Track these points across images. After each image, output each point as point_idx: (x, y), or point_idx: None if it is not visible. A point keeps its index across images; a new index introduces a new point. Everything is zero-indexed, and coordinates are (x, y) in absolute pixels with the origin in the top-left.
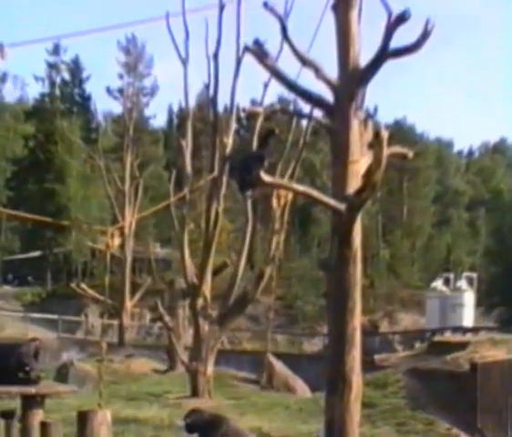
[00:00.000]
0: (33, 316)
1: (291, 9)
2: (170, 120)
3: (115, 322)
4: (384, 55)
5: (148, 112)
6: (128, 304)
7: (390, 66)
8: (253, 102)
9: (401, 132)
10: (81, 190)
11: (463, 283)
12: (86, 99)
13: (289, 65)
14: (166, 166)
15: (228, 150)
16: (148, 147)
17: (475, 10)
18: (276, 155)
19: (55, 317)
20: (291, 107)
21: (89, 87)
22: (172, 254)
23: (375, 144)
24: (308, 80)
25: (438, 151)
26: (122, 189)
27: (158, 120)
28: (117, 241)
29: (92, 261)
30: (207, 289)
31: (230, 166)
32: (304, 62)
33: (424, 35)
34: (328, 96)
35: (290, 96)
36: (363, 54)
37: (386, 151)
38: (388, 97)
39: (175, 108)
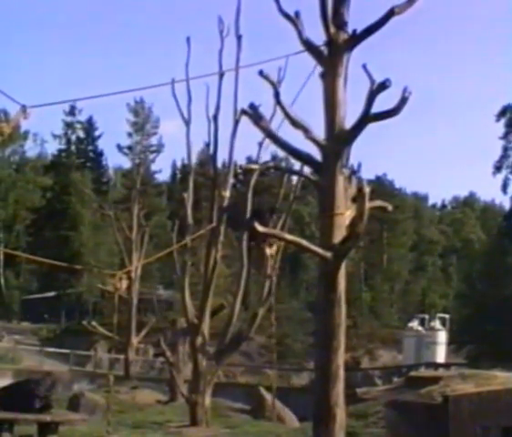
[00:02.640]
0: (48, 350)
1: (284, 77)
2: (174, 174)
3: (121, 357)
4: (366, 118)
5: (153, 167)
6: (134, 340)
7: (372, 127)
8: (249, 159)
9: (381, 187)
10: (92, 237)
11: (436, 323)
12: (98, 155)
13: (281, 126)
14: (169, 216)
15: (225, 202)
16: (153, 198)
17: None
18: (266, 207)
19: (67, 351)
20: (284, 164)
21: (101, 144)
22: (174, 296)
23: (359, 198)
24: (298, 139)
25: (415, 204)
26: (130, 237)
27: (163, 174)
28: (124, 284)
29: (102, 302)
30: (205, 328)
31: (229, 217)
32: (295, 124)
33: (402, 101)
34: (316, 154)
35: (282, 154)
36: (349, 115)
37: (368, 204)
38: (370, 155)
39: (178, 164)
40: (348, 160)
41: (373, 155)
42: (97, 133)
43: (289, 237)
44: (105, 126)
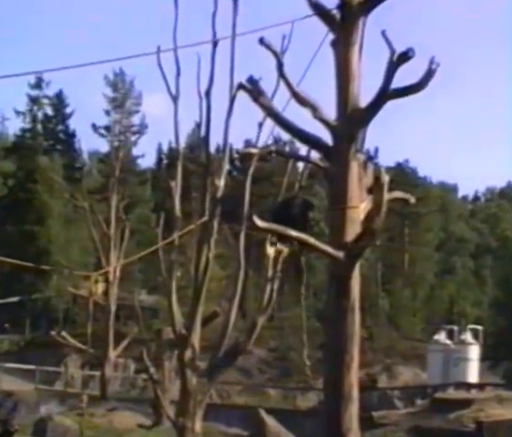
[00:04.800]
0: (9, 366)
1: (289, 46)
2: (159, 160)
3: (97, 373)
4: (385, 94)
5: (135, 151)
6: (112, 354)
7: (392, 105)
8: (247, 143)
9: (402, 176)
10: (63, 233)
11: (467, 336)
12: (69, 136)
13: (285, 104)
14: (154, 208)
15: (219, 193)
16: (135, 187)
17: (483, 51)
18: (270, 198)
19: (32, 367)
20: (288, 149)
21: (73, 124)
22: (159, 302)
23: (376, 188)
24: (305, 120)
25: (442, 196)
26: (107, 232)
27: (147, 160)
28: (100, 287)
29: (74, 308)
30: (196, 339)
31: (224, 210)
32: (301, 101)
33: (428, 74)
34: (326, 137)
35: (286, 136)
36: (364, 92)
37: (387, 196)
38: (389, 139)
39: (164, 148)
40: (363, 144)
41: (392, 138)
42: (68, 110)
43: (293, 233)
44: (77, 101)
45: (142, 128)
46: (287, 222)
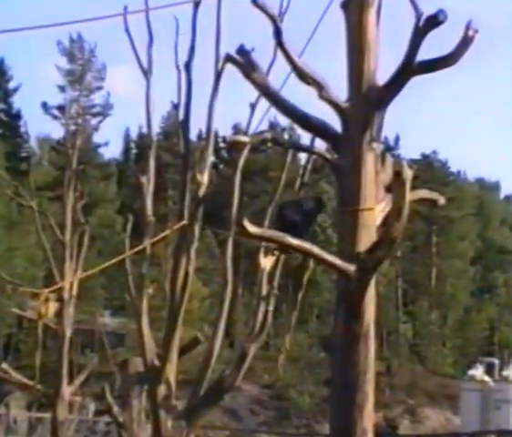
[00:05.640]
0: None
1: (288, 7)
2: (127, 150)
3: (47, 416)
4: (409, 69)
5: (97, 138)
6: (66, 391)
7: (417, 83)
8: (237, 129)
9: (430, 171)
10: (4, 239)
11: (511, 372)
12: (13, 118)
13: (284, 80)
14: (120, 209)
15: (202, 191)
16: (96, 183)
17: None
18: (265, 198)
19: None
20: (286, 137)
21: (18, 102)
22: (126, 325)
23: (396, 186)
24: (309, 101)
25: (479, 196)
26: (61, 239)
27: (111, 149)
28: (52, 308)
29: (18, 334)
30: (171, 372)
31: (208, 212)
32: (304, 77)
33: (464, 43)
34: (335, 122)
35: (285, 121)
36: (381, 70)
37: (410, 196)
38: (414, 125)
39: (133, 134)
40: (381, 131)
41: (417, 124)
42: (11, 85)
43: (294, 242)
44: (24, 74)
45: (106, 109)
46: (292, 229)
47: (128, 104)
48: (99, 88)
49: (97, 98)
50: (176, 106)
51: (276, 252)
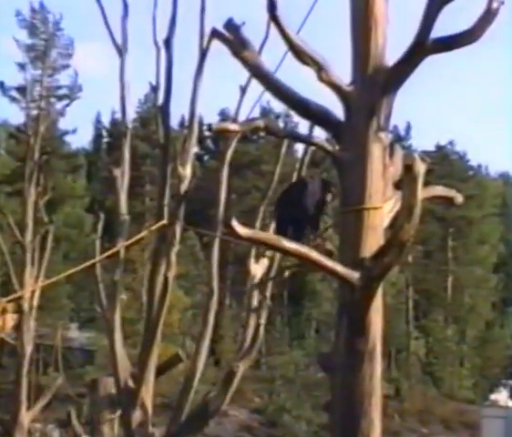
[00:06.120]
0: None
1: None
2: (98, 138)
3: None
4: (422, 47)
5: (63, 124)
6: (25, 417)
7: (431, 64)
8: (224, 115)
9: (446, 164)
10: None
11: None
12: None
13: (279, 60)
14: (89, 206)
15: (184, 186)
16: (63, 177)
17: None
18: (257, 194)
19: None
20: (281, 125)
21: None
22: (96, 340)
23: (406, 182)
24: (307, 85)
25: (503, 194)
26: (21, 241)
27: (80, 137)
28: (10, 320)
29: None
30: (148, 394)
31: (191, 211)
32: (302, 56)
33: (487, 16)
34: (336, 109)
35: (279, 107)
36: (390, 50)
37: (423, 193)
38: (427, 112)
39: (105, 121)
40: (389, 119)
41: (431, 111)
42: None
43: (290, 245)
44: None
45: (73, 91)
46: (296, 219)
47: (99, 85)
48: (66, 67)
49: (64, 79)
50: (154, 89)
51: (268, 254)
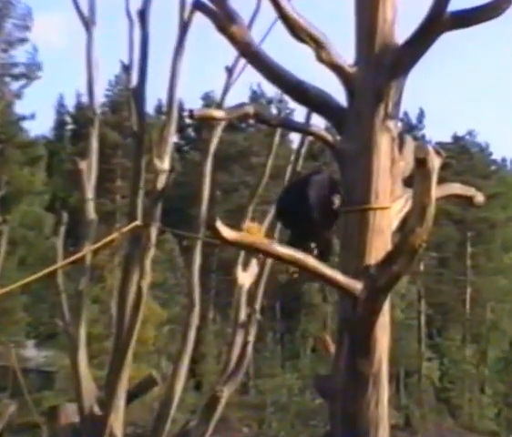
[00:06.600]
0: None
1: None
2: (60, 125)
3: None
4: (438, 22)
5: (20, 108)
6: None
7: (448, 41)
8: (208, 99)
9: (464, 158)
10: None
11: None
12: None
13: (271, 36)
14: (50, 204)
15: (161, 181)
16: (19, 169)
17: None
18: (246, 191)
19: None
20: (274, 112)
21: None
22: (56, 360)
23: (419, 178)
24: (304, 67)
25: None
26: None
27: (39, 124)
28: None
29: None
30: (117, 423)
31: (167, 209)
32: (297, 31)
33: None
34: (338, 94)
35: (272, 91)
36: (399, 24)
37: (437, 191)
38: (443, 98)
39: (69, 106)
40: (399, 105)
41: (448, 96)
42: None
43: (283, 250)
44: None
45: (32, 70)
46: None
47: (62, 64)
48: (23, 41)
49: (20, 55)
50: (127, 69)
51: (260, 258)
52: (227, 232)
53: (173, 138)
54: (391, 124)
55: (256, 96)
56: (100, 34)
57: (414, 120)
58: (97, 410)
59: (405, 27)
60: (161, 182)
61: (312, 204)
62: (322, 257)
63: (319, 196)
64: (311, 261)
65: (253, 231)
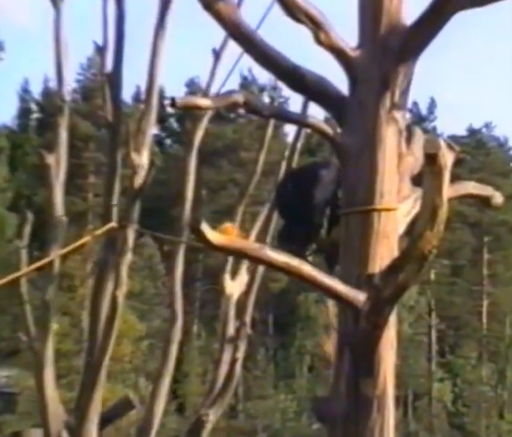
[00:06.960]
0: None
1: None
2: (25, 114)
3: None
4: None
5: None
6: None
7: (461, 22)
8: (192, 85)
9: (481, 154)
10: None
11: None
12: None
13: (264, 16)
14: (13, 203)
15: (140, 178)
16: None
17: None
18: (235, 190)
19: None
20: (267, 101)
21: None
22: (19, 380)
23: (429, 176)
24: (301, 51)
25: None
26: None
27: (1, 113)
28: None
29: None
30: None
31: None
32: (292, 10)
33: None
34: (339, 81)
35: (264, 77)
36: (408, 3)
37: (450, 191)
38: (457, 86)
39: (35, 92)
40: (407, 94)
41: (462, 84)
42: None
43: (277, 257)
44: None
45: None
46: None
47: (27, 44)
48: None
49: None
50: (101, 50)
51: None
52: (213, 236)
53: (153, 130)
54: (398, 115)
55: (247, 83)
56: (70, 11)
57: (424, 111)
58: (65, 435)
59: (415, 6)
60: (139, 179)
61: (316, 206)
62: (329, 263)
63: (325, 196)
64: (306, 269)
65: (228, 232)
